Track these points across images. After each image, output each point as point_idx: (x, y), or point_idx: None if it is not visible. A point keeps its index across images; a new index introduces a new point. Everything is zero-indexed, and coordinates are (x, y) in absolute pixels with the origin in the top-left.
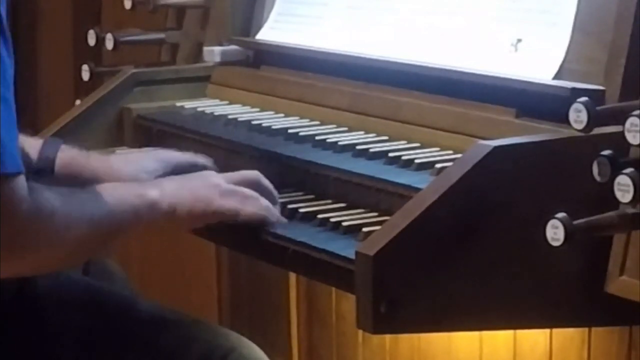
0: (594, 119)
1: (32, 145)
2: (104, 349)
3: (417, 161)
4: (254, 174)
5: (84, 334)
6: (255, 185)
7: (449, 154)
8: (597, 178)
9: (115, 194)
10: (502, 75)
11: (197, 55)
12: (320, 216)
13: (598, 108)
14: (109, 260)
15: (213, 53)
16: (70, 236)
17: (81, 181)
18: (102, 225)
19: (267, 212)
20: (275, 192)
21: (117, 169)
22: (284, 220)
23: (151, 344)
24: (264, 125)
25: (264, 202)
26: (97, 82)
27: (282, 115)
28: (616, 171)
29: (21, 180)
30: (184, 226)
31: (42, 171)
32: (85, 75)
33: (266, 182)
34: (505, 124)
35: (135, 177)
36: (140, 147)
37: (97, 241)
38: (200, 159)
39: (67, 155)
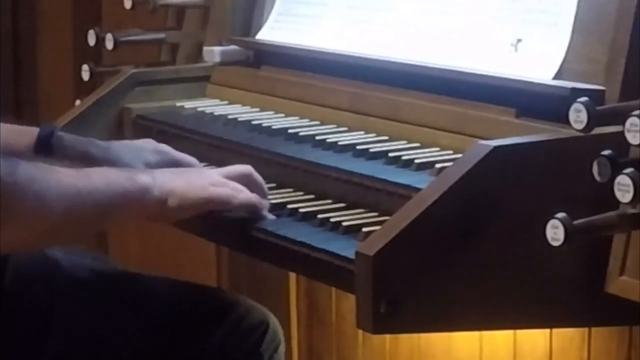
0: (594, 119)
1: (27, 131)
2: (96, 320)
3: (417, 161)
4: (246, 167)
5: (76, 313)
6: (247, 178)
7: (449, 154)
8: (597, 178)
9: (105, 175)
10: (502, 75)
11: (197, 55)
12: (320, 216)
13: (598, 108)
14: (108, 258)
15: (213, 53)
16: (53, 207)
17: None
18: (88, 202)
19: (256, 203)
20: (265, 187)
21: (116, 156)
22: (272, 216)
23: (144, 314)
24: (264, 125)
25: (253, 195)
26: (97, 82)
27: (282, 115)
28: (616, 171)
29: None
30: (177, 214)
31: (41, 152)
32: (85, 75)
33: (258, 176)
34: (505, 124)
35: (134, 165)
36: None
37: (82, 218)
38: (196, 161)
39: (62, 142)
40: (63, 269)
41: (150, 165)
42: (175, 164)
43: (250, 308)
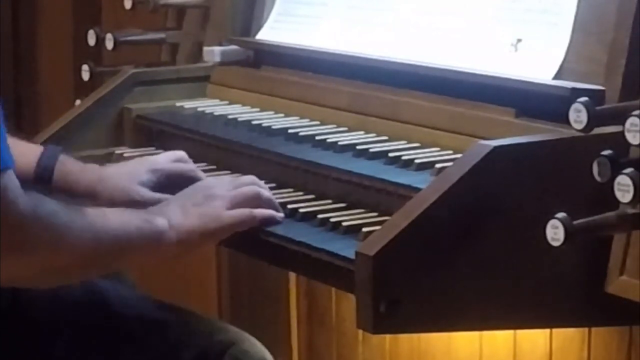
0: (594, 119)
1: (31, 151)
2: (100, 346)
3: (417, 161)
4: (252, 189)
5: (79, 332)
6: (256, 201)
7: (449, 154)
8: (597, 178)
9: (122, 216)
10: (501, 75)
11: (197, 55)
12: (320, 216)
13: (598, 108)
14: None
15: (213, 53)
16: (71, 242)
17: (77, 193)
18: (105, 240)
19: (273, 204)
20: (275, 200)
21: (112, 181)
22: (282, 215)
23: (147, 341)
24: (264, 125)
25: (265, 193)
26: (97, 82)
27: (282, 115)
28: (616, 171)
29: (13, 176)
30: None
31: (40, 179)
32: (85, 75)
33: (265, 193)
34: (505, 124)
35: (130, 189)
36: (140, 147)
37: (98, 257)
38: (189, 165)
39: (64, 167)
40: (72, 294)
41: (145, 185)
42: (170, 177)
43: (248, 345)
